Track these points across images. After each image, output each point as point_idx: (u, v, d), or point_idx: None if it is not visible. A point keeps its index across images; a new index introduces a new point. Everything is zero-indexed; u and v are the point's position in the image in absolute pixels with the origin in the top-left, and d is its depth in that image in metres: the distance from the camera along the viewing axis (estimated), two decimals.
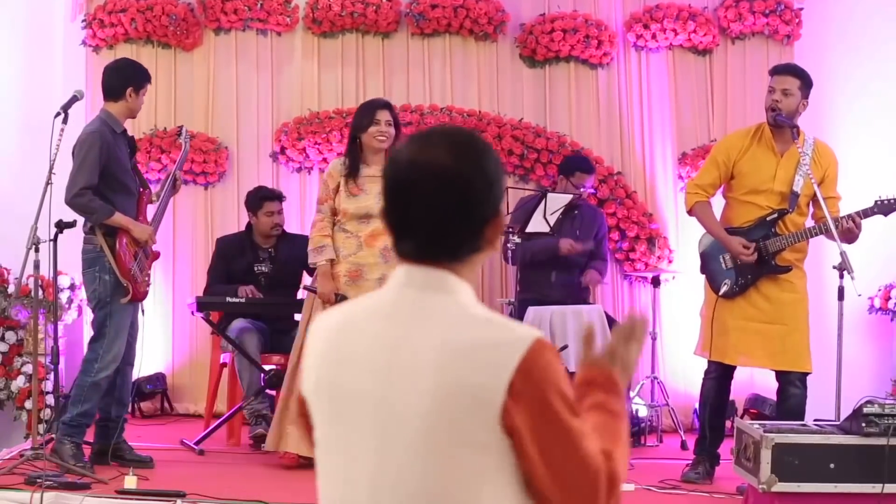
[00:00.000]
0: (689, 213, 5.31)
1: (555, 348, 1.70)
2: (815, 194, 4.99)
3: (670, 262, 7.00)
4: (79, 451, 5.08)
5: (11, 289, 6.36)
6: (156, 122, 7.06)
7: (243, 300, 6.10)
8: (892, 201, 4.93)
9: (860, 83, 6.96)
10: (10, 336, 6.50)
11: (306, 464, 5.19)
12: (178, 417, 6.90)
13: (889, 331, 6.83)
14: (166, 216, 5.72)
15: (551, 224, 5.94)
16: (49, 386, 6.15)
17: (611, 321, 6.06)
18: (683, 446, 6.05)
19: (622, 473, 1.70)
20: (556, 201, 5.98)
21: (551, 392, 1.64)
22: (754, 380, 6.69)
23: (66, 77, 6.76)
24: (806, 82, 5.07)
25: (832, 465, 4.12)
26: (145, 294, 5.30)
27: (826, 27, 7.08)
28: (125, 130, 5.30)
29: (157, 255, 5.44)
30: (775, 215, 5.07)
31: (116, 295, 5.09)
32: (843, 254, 4.83)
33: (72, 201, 5.03)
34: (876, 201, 4.96)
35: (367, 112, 5.37)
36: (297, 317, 5.79)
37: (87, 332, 6.68)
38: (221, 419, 6.01)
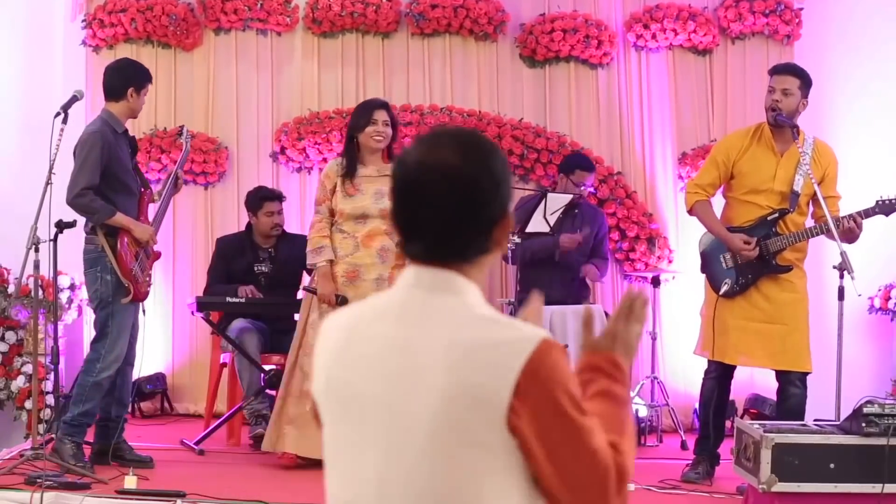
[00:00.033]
0: (690, 212, 5.31)
1: (562, 348, 1.69)
2: (815, 194, 4.99)
3: (670, 262, 7.00)
4: (79, 451, 5.08)
5: (11, 289, 6.36)
6: (156, 122, 7.07)
7: (243, 300, 6.10)
8: (893, 201, 4.93)
9: (860, 83, 6.96)
10: (10, 336, 6.50)
11: (305, 464, 5.20)
12: (178, 417, 6.90)
13: (889, 331, 6.83)
14: (167, 216, 5.73)
15: (551, 224, 5.95)
16: (49, 386, 6.15)
17: None
18: (683, 446, 6.05)
19: (630, 466, 1.70)
20: (557, 201, 5.98)
21: (558, 392, 1.64)
22: (754, 380, 6.69)
23: (66, 77, 6.76)
24: (806, 82, 5.07)
25: (832, 465, 4.12)
26: (146, 294, 5.30)
27: (826, 27, 7.08)
28: (126, 130, 5.30)
29: (158, 255, 5.44)
30: (776, 215, 5.08)
31: (118, 295, 5.10)
32: (843, 254, 4.83)
33: (73, 201, 5.03)
34: (877, 201, 4.96)
35: (365, 112, 5.37)
36: (297, 317, 5.79)
37: (87, 332, 6.69)
38: (221, 419, 6.01)
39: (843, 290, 4.99)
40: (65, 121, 5.09)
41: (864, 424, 4.10)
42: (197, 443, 5.75)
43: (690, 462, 5.27)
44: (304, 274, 6.18)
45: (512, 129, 7.04)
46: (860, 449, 4.12)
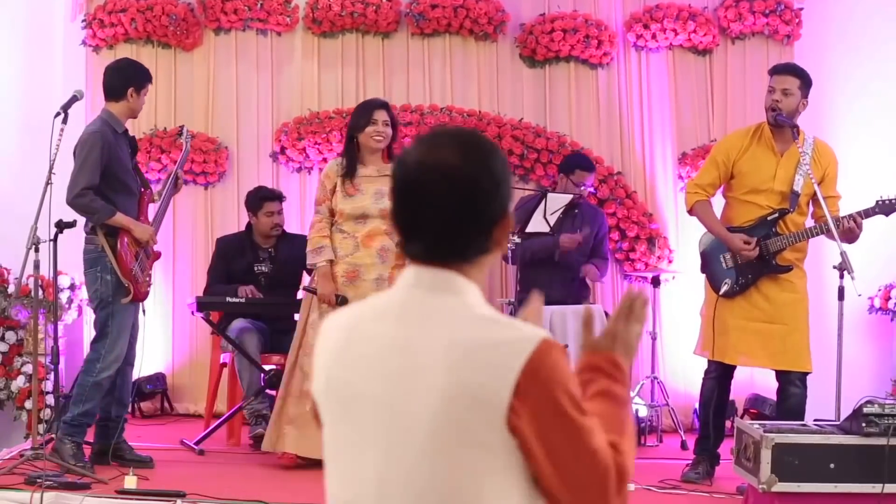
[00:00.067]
0: (690, 212, 5.31)
1: (563, 348, 1.69)
2: (815, 194, 5.00)
3: (670, 262, 7.00)
4: (79, 451, 5.08)
5: (11, 289, 6.36)
6: (156, 122, 7.07)
7: (243, 300, 6.10)
8: (893, 201, 4.93)
9: (860, 83, 6.96)
10: (10, 336, 6.50)
11: (305, 464, 5.20)
12: (178, 417, 6.90)
13: (889, 331, 6.83)
14: (167, 216, 5.72)
15: (551, 224, 5.95)
16: (49, 386, 6.15)
17: None
18: (683, 446, 6.05)
19: (630, 466, 1.70)
20: (557, 201, 5.98)
21: (558, 392, 1.63)
22: (754, 380, 6.69)
23: (66, 77, 6.76)
24: (805, 81, 5.07)
25: (832, 465, 4.12)
26: (146, 294, 5.31)
27: (826, 27, 7.08)
28: (126, 130, 5.30)
29: (158, 256, 5.45)
30: (776, 215, 5.08)
31: (118, 295, 5.10)
32: (843, 254, 4.83)
33: (73, 201, 5.03)
34: (877, 201, 4.96)
35: (364, 112, 5.37)
36: (297, 317, 5.79)
37: (88, 332, 6.69)
38: (221, 419, 6.01)
39: (843, 290, 4.99)
40: (65, 121, 5.09)
41: (864, 424, 4.10)
42: (197, 443, 5.75)
43: (690, 462, 5.27)
44: (305, 274, 6.18)
45: (512, 129, 7.04)
46: (860, 449, 4.12)
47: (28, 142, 6.56)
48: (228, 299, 6.08)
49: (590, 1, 7.19)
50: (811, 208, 5.17)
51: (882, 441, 4.09)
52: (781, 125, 5.06)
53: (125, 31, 7.05)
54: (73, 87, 5.41)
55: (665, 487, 5.03)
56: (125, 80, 5.20)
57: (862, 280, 4.97)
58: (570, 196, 6.13)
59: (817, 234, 5.03)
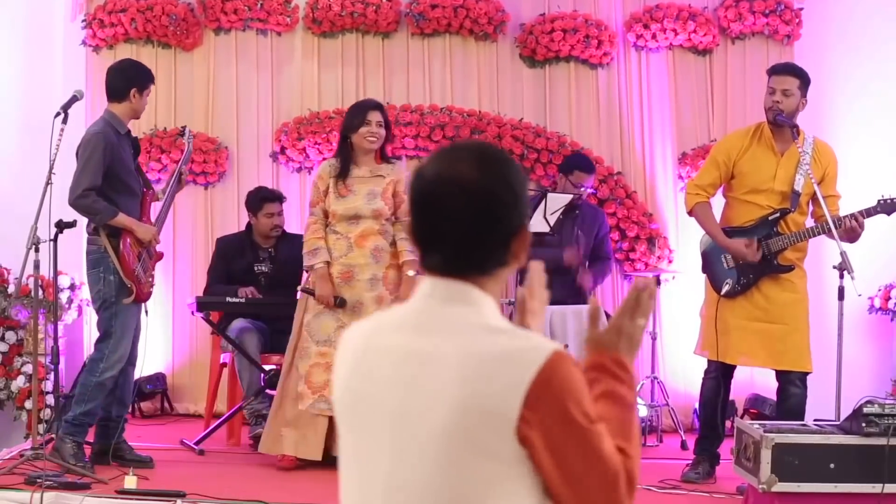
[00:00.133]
0: (690, 213, 5.31)
1: (575, 360, 1.70)
2: (815, 193, 5.00)
3: (670, 262, 7.00)
4: (80, 451, 5.08)
5: (11, 289, 6.36)
6: (156, 122, 7.07)
7: (243, 300, 6.10)
8: (894, 200, 4.93)
9: (860, 83, 6.96)
10: (10, 336, 6.50)
11: (304, 464, 5.19)
12: (178, 417, 6.90)
13: (889, 331, 6.83)
14: (167, 216, 5.72)
15: (551, 224, 5.94)
16: (49, 386, 6.15)
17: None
18: (683, 446, 6.05)
19: (638, 469, 1.71)
20: (556, 201, 5.97)
21: (569, 403, 1.64)
22: (754, 380, 6.69)
23: (66, 77, 6.76)
24: (804, 81, 5.08)
25: (832, 465, 4.12)
26: (149, 294, 5.31)
27: (826, 27, 7.08)
28: (129, 131, 5.30)
29: (160, 256, 5.45)
30: (777, 215, 5.08)
31: (121, 295, 5.10)
32: (843, 253, 4.83)
33: (75, 202, 5.03)
34: (879, 200, 4.96)
35: (359, 112, 5.38)
36: None
37: (88, 333, 6.70)
38: (221, 419, 6.01)
39: (843, 290, 4.99)
40: (65, 121, 5.09)
41: (864, 424, 4.10)
42: (197, 443, 5.75)
43: (690, 462, 5.27)
44: (305, 274, 6.18)
45: (512, 129, 7.04)
46: (860, 449, 4.12)
47: (28, 142, 6.56)
48: (228, 299, 6.09)
49: (590, 1, 7.19)
50: (811, 208, 5.18)
51: (882, 441, 4.09)
52: (781, 125, 5.06)
53: (125, 31, 7.05)
54: (73, 87, 5.41)
55: (665, 487, 5.03)
56: (127, 81, 5.20)
57: (862, 280, 4.98)
58: (570, 196, 6.12)
59: (818, 234, 5.03)
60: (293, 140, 7.02)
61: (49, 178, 4.98)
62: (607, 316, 6.09)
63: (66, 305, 6.51)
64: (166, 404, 6.98)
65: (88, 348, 6.66)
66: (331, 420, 5.22)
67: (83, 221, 5.23)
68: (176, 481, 4.80)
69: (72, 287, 6.53)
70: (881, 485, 4.09)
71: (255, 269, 6.39)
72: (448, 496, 1.65)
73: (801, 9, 7.13)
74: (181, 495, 4.58)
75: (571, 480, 1.65)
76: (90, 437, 5.26)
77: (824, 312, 5.57)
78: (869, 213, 4.94)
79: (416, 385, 1.70)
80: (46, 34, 7.04)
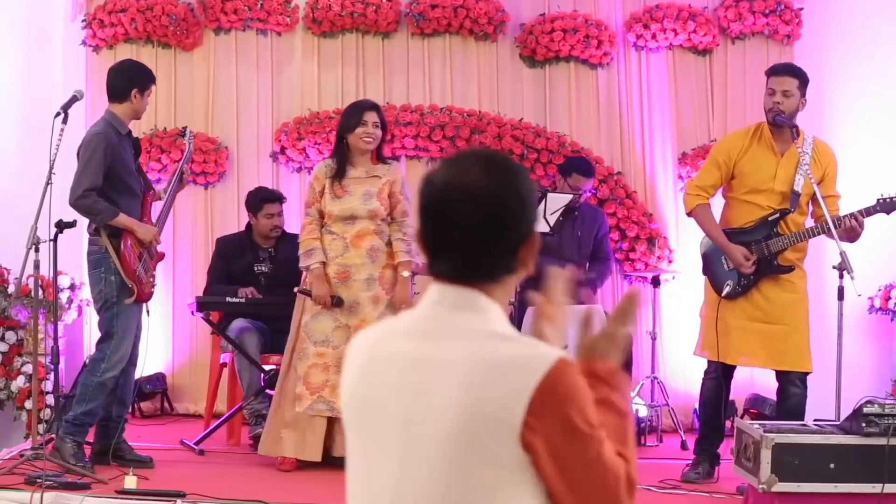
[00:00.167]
0: (689, 214, 5.30)
1: (579, 367, 1.71)
2: (814, 193, 5.00)
3: (670, 262, 7.00)
4: (80, 451, 5.08)
5: (11, 289, 6.36)
6: (156, 122, 7.07)
7: (243, 300, 6.10)
8: (894, 199, 4.93)
9: (860, 83, 6.95)
10: (10, 336, 6.50)
11: (304, 465, 5.19)
12: (178, 417, 6.90)
13: (889, 331, 6.83)
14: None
15: (551, 224, 5.94)
16: (49, 386, 6.15)
17: None
18: (683, 446, 6.04)
19: (636, 473, 1.73)
20: (556, 201, 5.97)
21: (573, 410, 1.65)
22: (754, 380, 6.69)
23: (66, 77, 6.76)
24: (803, 80, 5.09)
25: (832, 465, 4.12)
26: (150, 295, 5.31)
27: (826, 27, 7.08)
28: (130, 132, 5.30)
29: (162, 256, 5.45)
30: (777, 215, 5.08)
31: (122, 296, 5.10)
32: (842, 254, 4.83)
33: (76, 203, 5.03)
34: (878, 199, 4.96)
35: (355, 113, 5.38)
36: None
37: (88, 333, 6.70)
38: (221, 419, 6.01)
39: (842, 290, 4.99)
40: (65, 121, 5.09)
41: (864, 424, 4.10)
42: (197, 443, 5.75)
43: (690, 462, 5.27)
44: (304, 274, 6.18)
45: (512, 129, 7.04)
46: (860, 449, 4.12)
47: (28, 142, 6.56)
48: (228, 299, 6.09)
49: (590, 1, 7.19)
50: (811, 208, 5.18)
51: (882, 441, 4.09)
52: (781, 125, 5.06)
53: (125, 31, 7.05)
54: (73, 87, 5.41)
55: (665, 487, 5.03)
56: (128, 82, 5.20)
57: (862, 280, 4.98)
58: (570, 196, 6.12)
59: (818, 234, 5.03)
60: (293, 140, 7.02)
61: (49, 178, 4.98)
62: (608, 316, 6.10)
63: (66, 305, 6.51)
64: (166, 404, 6.98)
65: (88, 348, 6.66)
66: (329, 420, 5.22)
67: (83, 221, 5.23)
68: (176, 481, 4.80)
69: (72, 287, 6.53)
70: (881, 485, 4.09)
71: (255, 269, 6.38)
72: (453, 501, 1.66)
73: (801, 9, 7.13)
74: (181, 495, 4.58)
75: (574, 486, 1.66)
76: (90, 437, 5.26)
77: (824, 312, 5.57)
78: (868, 212, 4.94)
79: (423, 391, 1.71)
80: (46, 34, 7.04)
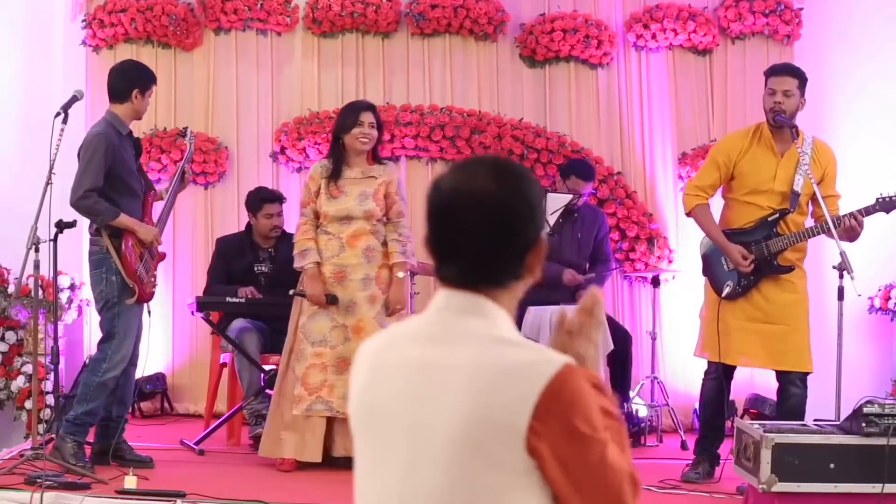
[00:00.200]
0: (688, 215, 5.30)
1: (586, 373, 1.71)
2: (814, 193, 5.00)
3: (670, 262, 7.00)
4: (80, 451, 5.08)
5: (11, 289, 6.36)
6: (156, 122, 7.07)
7: (243, 300, 6.10)
8: (893, 199, 4.93)
9: (860, 83, 6.96)
10: (10, 336, 6.50)
11: (304, 465, 5.19)
12: (178, 417, 6.90)
13: (889, 331, 6.83)
14: None
15: (550, 224, 5.94)
16: (49, 386, 6.15)
17: (611, 321, 6.05)
18: (683, 446, 6.04)
19: (638, 475, 1.73)
20: (556, 201, 5.97)
21: (578, 416, 1.65)
22: (754, 380, 6.69)
23: (66, 77, 6.76)
24: (803, 80, 5.09)
25: (832, 465, 4.12)
26: (151, 295, 5.31)
27: (826, 27, 7.08)
28: (131, 132, 5.30)
29: (163, 256, 5.45)
30: (777, 215, 5.08)
31: (123, 296, 5.10)
32: (842, 254, 4.83)
33: (77, 203, 5.03)
34: (878, 199, 4.96)
35: (351, 113, 5.38)
36: None
37: (87, 333, 6.70)
38: (221, 419, 6.01)
39: (842, 290, 4.99)
40: (65, 121, 5.09)
41: (864, 424, 4.10)
42: (197, 443, 5.75)
43: (690, 462, 5.27)
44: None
45: (512, 129, 7.05)
46: (860, 449, 4.12)
47: (28, 142, 6.56)
48: (228, 299, 6.09)
49: (590, 1, 7.19)
50: (811, 208, 5.18)
51: (882, 441, 4.09)
52: (781, 126, 5.06)
53: (125, 31, 7.05)
54: (73, 87, 5.41)
55: (665, 487, 5.03)
56: (129, 82, 5.20)
57: (862, 280, 4.98)
58: (569, 197, 6.11)
59: (818, 234, 5.03)
60: (293, 140, 7.03)
61: (49, 178, 4.98)
62: (610, 319, 6.10)
63: (66, 305, 6.51)
64: (166, 404, 6.98)
65: (88, 348, 6.67)
66: (329, 420, 5.22)
67: (83, 222, 5.23)
68: (176, 481, 4.80)
69: (72, 287, 6.53)
70: (881, 485, 4.08)
71: (255, 269, 6.39)
72: None
73: (801, 9, 7.13)
74: (181, 495, 4.58)
75: (580, 490, 1.67)
76: (90, 437, 5.26)
77: (824, 312, 5.57)
78: (868, 211, 4.94)
79: (430, 396, 1.71)
80: (46, 34, 7.04)
